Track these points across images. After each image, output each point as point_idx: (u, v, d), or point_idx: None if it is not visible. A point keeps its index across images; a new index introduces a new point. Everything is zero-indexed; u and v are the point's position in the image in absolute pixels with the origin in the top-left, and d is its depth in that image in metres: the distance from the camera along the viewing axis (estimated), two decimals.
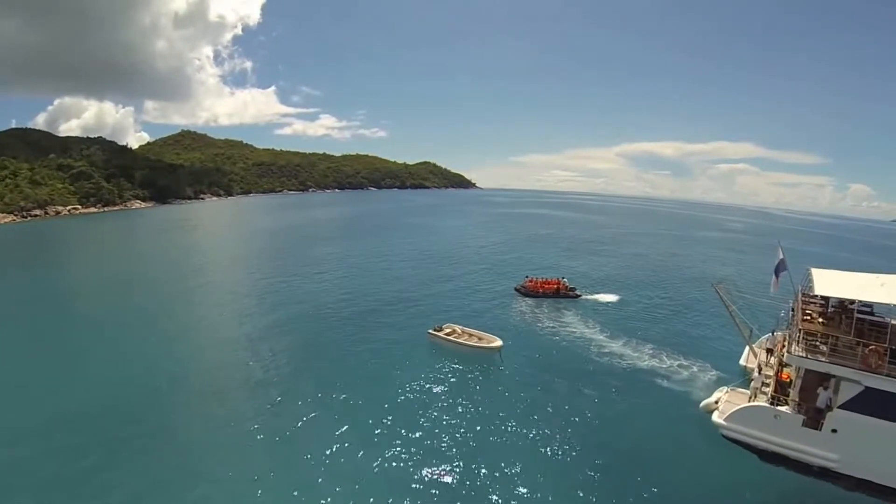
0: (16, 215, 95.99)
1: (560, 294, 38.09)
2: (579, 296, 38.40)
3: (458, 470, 15.74)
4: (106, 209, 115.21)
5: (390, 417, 18.79)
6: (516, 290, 39.71)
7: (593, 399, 21.19)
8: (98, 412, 18.73)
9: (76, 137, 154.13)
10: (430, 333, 27.51)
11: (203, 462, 15.90)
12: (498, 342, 25.35)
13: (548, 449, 17.34)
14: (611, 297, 39.24)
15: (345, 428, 17.85)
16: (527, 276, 40.76)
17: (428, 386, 21.89)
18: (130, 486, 14.39)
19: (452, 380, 22.75)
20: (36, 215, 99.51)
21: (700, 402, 19.66)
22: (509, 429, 18.50)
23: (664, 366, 24.99)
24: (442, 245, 69.31)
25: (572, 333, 29.85)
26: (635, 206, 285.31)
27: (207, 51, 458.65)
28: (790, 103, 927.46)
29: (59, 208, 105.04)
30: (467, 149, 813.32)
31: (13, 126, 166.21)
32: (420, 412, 19.41)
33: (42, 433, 17.05)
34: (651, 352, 26.83)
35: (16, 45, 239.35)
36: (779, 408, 16.02)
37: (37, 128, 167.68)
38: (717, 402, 18.28)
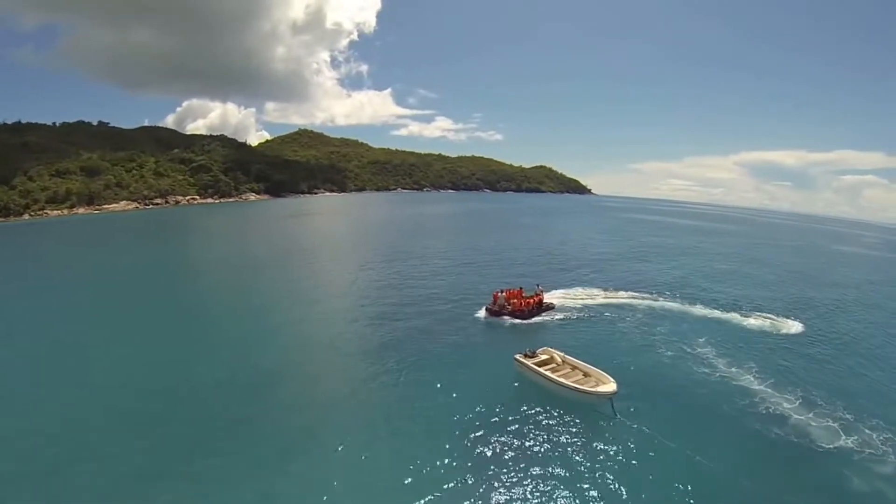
0: (139, 203, 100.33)
1: (543, 308, 29.15)
2: (553, 306, 29.98)
3: None
4: (222, 200, 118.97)
5: (443, 464, 13.95)
6: (489, 310, 28.25)
7: (749, 492, 13.12)
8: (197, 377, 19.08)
9: (200, 135, 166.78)
10: (517, 360, 20.56)
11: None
12: (610, 385, 18.20)
13: None
14: (791, 326, 28.80)
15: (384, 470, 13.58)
16: (501, 290, 29.49)
17: (498, 436, 15.44)
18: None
19: (533, 430, 15.95)
20: (157, 203, 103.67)
21: None
22: None
23: (870, 449, 15.13)
24: (551, 248, 61.63)
25: (708, 376, 20.94)
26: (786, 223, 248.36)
27: (324, 55, 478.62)
28: None
29: (179, 198, 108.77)
30: (584, 154, 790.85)
31: (145, 124, 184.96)
32: (482, 468, 13.81)
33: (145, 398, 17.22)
34: (847, 421, 16.96)
35: (149, 52, 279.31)
36: None
37: (166, 126, 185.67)
38: None
